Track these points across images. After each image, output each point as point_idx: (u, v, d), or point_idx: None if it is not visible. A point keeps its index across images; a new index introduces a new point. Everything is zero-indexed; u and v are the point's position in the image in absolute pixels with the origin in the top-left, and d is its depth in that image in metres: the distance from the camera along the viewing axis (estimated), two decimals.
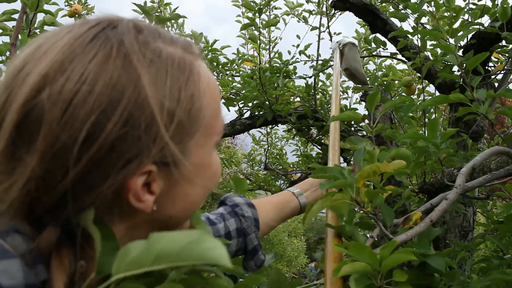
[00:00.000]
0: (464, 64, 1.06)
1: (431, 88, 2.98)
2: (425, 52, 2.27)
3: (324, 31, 3.00)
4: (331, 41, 2.89)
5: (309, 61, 3.10)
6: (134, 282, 0.46)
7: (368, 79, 1.82)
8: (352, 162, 0.97)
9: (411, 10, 1.78)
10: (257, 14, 2.65)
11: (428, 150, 1.21)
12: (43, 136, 0.47)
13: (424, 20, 2.56)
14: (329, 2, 2.68)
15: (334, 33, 3.00)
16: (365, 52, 2.98)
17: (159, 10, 3.42)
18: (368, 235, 0.83)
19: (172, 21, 3.39)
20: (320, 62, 3.00)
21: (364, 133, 2.84)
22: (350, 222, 0.81)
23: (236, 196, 0.96)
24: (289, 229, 10.03)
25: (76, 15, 3.41)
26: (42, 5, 1.29)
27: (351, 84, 3.46)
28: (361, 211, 0.77)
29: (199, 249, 0.41)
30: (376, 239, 0.82)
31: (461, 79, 1.10)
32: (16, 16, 1.47)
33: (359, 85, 1.70)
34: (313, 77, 2.89)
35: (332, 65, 2.61)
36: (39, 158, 0.47)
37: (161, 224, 0.58)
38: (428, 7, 2.60)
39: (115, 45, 0.50)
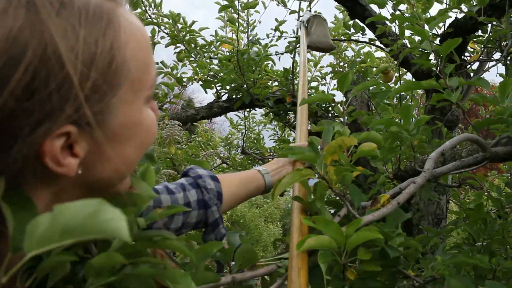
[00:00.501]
0: (438, 51, 1.06)
1: (408, 76, 3.00)
2: (403, 40, 2.28)
3: (303, 15, 2.98)
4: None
5: (282, 37, 3.07)
6: (61, 254, 0.44)
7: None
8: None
9: None
10: None
11: (401, 136, 1.22)
12: None
13: (403, 7, 2.58)
14: None
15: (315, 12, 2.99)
16: (343, 37, 2.98)
17: None
18: (337, 215, 0.83)
19: (150, 0, 3.33)
20: (298, 46, 2.99)
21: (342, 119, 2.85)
22: (321, 199, 0.81)
23: (199, 168, 0.92)
24: (266, 214, 10.07)
25: None
26: None
27: (329, 70, 3.46)
28: (329, 189, 0.77)
29: (98, 221, 0.38)
30: (343, 219, 0.82)
31: (436, 67, 1.10)
32: None
33: (329, 51, 1.74)
34: (291, 62, 2.88)
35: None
36: None
37: (92, 186, 0.54)
38: None
39: None
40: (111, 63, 0.48)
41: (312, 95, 3.04)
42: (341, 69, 3.45)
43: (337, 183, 0.78)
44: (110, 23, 0.49)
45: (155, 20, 3.31)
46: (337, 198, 0.83)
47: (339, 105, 1.28)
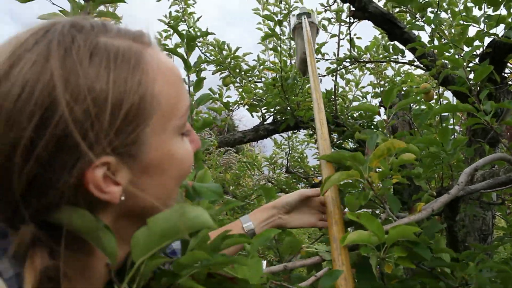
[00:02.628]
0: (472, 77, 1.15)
1: (449, 94, 3.05)
2: (442, 60, 2.35)
3: (343, 39, 3.09)
4: (351, 49, 2.99)
5: (322, 59, 3.18)
6: (154, 259, 0.55)
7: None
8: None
9: (426, 22, 1.86)
10: (277, 25, 2.76)
11: (440, 155, 1.31)
12: None
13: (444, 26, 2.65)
14: (349, 12, 2.77)
15: (355, 35, 3.09)
16: (381, 56, 3.07)
17: (183, 19, 3.54)
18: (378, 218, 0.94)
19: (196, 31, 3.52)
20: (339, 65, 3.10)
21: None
22: (365, 198, 0.92)
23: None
24: (309, 231, 10.09)
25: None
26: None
27: (370, 89, 3.55)
28: (371, 191, 0.88)
29: (188, 219, 0.49)
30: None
31: (470, 92, 1.19)
32: None
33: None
34: (333, 84, 2.99)
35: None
36: None
37: (138, 215, 0.59)
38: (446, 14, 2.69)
39: (53, 48, 0.51)
40: (140, 98, 0.54)
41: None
42: (382, 89, 3.52)
43: (378, 186, 0.89)
44: (138, 63, 0.55)
45: (201, 48, 3.50)
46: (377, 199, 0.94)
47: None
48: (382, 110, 3.32)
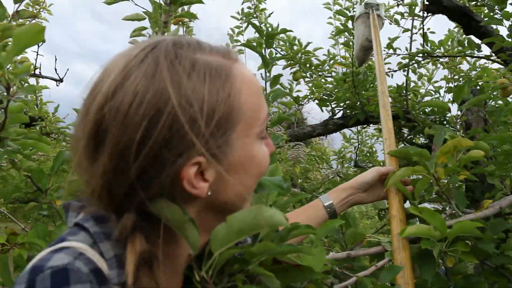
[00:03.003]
0: None
1: None
2: None
3: (416, 33, 3.05)
4: (424, 44, 2.94)
5: (394, 54, 3.14)
6: (229, 250, 0.62)
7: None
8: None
9: (503, 16, 1.82)
10: (349, 20, 2.78)
11: None
12: (109, 140, 0.59)
13: None
14: (422, 6, 2.73)
15: (428, 29, 3.04)
16: (456, 50, 3.00)
17: (255, 15, 3.62)
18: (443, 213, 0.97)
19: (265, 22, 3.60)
20: (411, 60, 3.06)
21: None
22: (430, 193, 0.96)
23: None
24: (377, 225, 9.97)
25: (180, 22, 3.69)
26: (169, 26, 1.52)
27: (443, 83, 3.47)
28: (437, 186, 0.91)
29: (264, 217, 0.57)
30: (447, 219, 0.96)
31: None
32: (145, 32, 1.73)
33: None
34: (404, 79, 2.96)
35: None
36: (108, 157, 0.59)
37: (220, 208, 0.67)
38: None
39: (160, 62, 0.61)
40: (229, 107, 0.63)
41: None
42: (456, 83, 3.43)
43: (445, 183, 0.92)
44: (227, 77, 0.64)
45: (273, 45, 3.56)
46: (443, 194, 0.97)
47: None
48: (455, 105, 3.25)
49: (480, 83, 2.85)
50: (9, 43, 1.25)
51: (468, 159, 1.00)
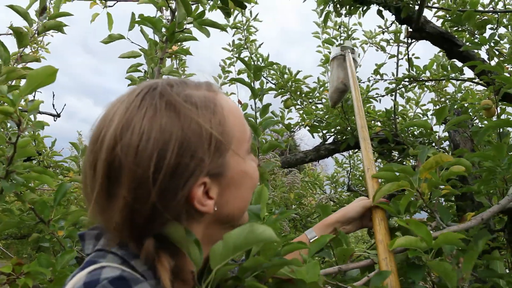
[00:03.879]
0: None
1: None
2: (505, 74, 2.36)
3: (401, 59, 3.15)
4: (410, 69, 3.05)
5: (381, 80, 3.25)
6: (226, 265, 0.68)
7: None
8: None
9: (480, 41, 1.91)
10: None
11: (495, 170, 1.37)
12: (125, 175, 0.65)
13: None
14: (406, 33, 2.84)
15: (413, 55, 3.14)
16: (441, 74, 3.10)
17: (245, 47, 3.73)
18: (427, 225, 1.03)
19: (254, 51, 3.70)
20: (398, 85, 3.15)
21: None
22: (414, 206, 1.02)
23: None
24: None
25: (173, 56, 3.77)
26: (164, 62, 1.59)
27: (431, 106, 3.56)
28: (421, 200, 0.97)
29: (256, 234, 0.64)
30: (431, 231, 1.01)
31: None
32: (141, 68, 1.81)
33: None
34: (392, 103, 3.04)
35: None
36: (127, 190, 0.65)
37: (224, 221, 0.75)
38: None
39: (158, 102, 0.69)
40: (222, 131, 0.71)
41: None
42: (443, 105, 3.52)
43: (429, 196, 0.98)
44: (215, 106, 0.73)
45: (263, 72, 3.66)
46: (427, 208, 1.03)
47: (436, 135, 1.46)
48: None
49: (465, 105, 2.94)
50: (13, 83, 1.32)
51: (450, 174, 1.06)
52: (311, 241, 1.16)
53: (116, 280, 0.62)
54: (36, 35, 1.25)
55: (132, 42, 1.73)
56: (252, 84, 1.52)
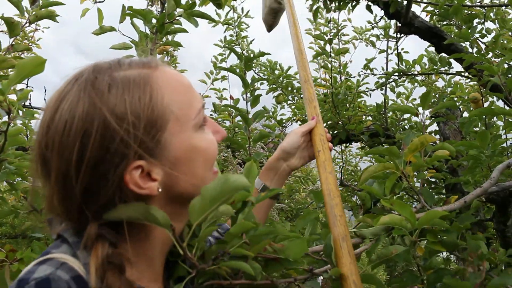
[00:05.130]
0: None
1: (500, 103, 3.07)
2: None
3: (391, 53, 3.19)
4: (399, 63, 3.08)
5: (371, 74, 3.28)
6: (208, 226, 0.69)
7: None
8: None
9: (462, 37, 1.94)
10: (327, 44, 2.91)
11: (480, 158, 1.40)
12: (52, 168, 0.66)
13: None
14: (395, 28, 2.88)
15: (402, 49, 3.18)
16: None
17: (237, 43, 3.75)
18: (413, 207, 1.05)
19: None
20: (388, 79, 3.19)
21: None
22: (399, 188, 1.04)
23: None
24: None
25: (164, 52, 3.80)
26: (155, 54, 1.62)
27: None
28: (405, 182, 0.99)
29: (230, 183, 0.64)
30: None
31: (506, 98, 1.28)
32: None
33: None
34: (383, 97, 3.08)
35: None
36: (54, 182, 0.66)
37: (181, 199, 0.73)
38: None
39: (82, 89, 0.67)
40: (154, 110, 0.68)
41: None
42: (432, 100, 3.57)
43: (413, 178, 1.00)
44: (146, 84, 0.69)
45: (255, 68, 3.69)
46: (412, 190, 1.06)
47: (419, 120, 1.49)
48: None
49: (455, 99, 2.98)
50: (3, 73, 1.33)
51: (435, 158, 1.09)
52: (259, 189, 1.13)
53: (41, 282, 0.61)
54: (27, 24, 1.27)
55: (123, 35, 1.75)
56: (244, 74, 1.54)
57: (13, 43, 1.22)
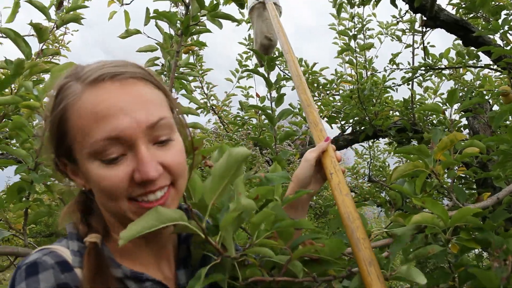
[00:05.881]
0: None
1: None
2: None
3: (417, 48, 3.15)
4: (425, 57, 3.05)
5: (397, 69, 3.25)
6: (230, 214, 0.71)
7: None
8: None
9: (494, 27, 1.91)
10: (352, 39, 2.90)
11: (511, 152, 1.38)
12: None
13: None
14: (421, 22, 2.85)
15: (428, 43, 3.14)
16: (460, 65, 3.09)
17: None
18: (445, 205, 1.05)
19: None
20: (414, 74, 3.16)
21: None
22: (430, 186, 1.03)
23: None
24: None
25: (190, 51, 3.84)
26: (181, 55, 1.64)
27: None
28: (436, 181, 0.99)
29: (233, 155, 0.68)
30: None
31: None
32: (158, 62, 1.86)
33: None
34: (410, 92, 3.05)
35: None
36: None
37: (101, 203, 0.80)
38: None
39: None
40: (61, 124, 0.74)
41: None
42: (461, 94, 3.52)
43: (443, 176, 1.00)
44: (63, 99, 0.74)
45: (279, 66, 3.70)
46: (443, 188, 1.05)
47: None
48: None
49: (484, 92, 2.93)
50: (36, 77, 1.38)
51: (464, 156, 1.08)
52: None
53: (30, 265, 0.71)
54: (55, 29, 1.31)
55: (149, 37, 1.79)
56: (266, 75, 1.55)
57: (43, 47, 1.26)
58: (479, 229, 1.03)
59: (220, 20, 1.63)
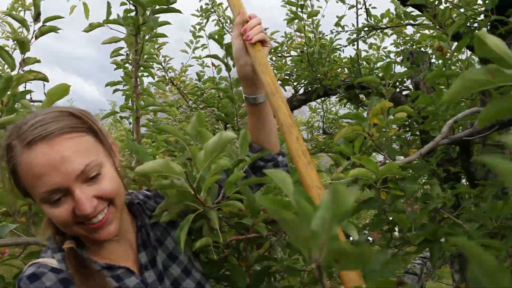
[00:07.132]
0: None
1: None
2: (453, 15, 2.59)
3: (360, 8, 3.36)
4: (368, 18, 3.26)
5: (342, 31, 3.48)
6: (213, 175, 1.00)
7: None
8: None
9: None
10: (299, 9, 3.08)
11: (437, 113, 1.64)
12: None
13: None
14: None
15: (370, 5, 3.34)
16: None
17: (213, 10, 3.87)
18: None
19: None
20: (359, 35, 3.37)
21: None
22: (365, 145, 1.27)
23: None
24: None
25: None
26: (141, 48, 1.79)
27: (393, 48, 3.80)
28: (371, 141, 1.22)
29: (223, 137, 0.93)
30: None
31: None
32: (122, 51, 1.99)
33: None
34: (354, 51, 3.28)
35: None
36: None
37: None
38: None
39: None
40: (15, 179, 0.91)
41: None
42: (403, 46, 3.78)
43: (377, 138, 1.23)
44: (12, 166, 0.89)
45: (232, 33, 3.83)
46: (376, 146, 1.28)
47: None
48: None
49: (421, 48, 3.20)
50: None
51: (395, 120, 1.32)
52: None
53: (30, 277, 0.90)
54: (33, 38, 1.44)
55: (111, 29, 1.90)
56: (225, 60, 1.74)
57: (25, 58, 1.39)
58: (403, 179, 1.28)
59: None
